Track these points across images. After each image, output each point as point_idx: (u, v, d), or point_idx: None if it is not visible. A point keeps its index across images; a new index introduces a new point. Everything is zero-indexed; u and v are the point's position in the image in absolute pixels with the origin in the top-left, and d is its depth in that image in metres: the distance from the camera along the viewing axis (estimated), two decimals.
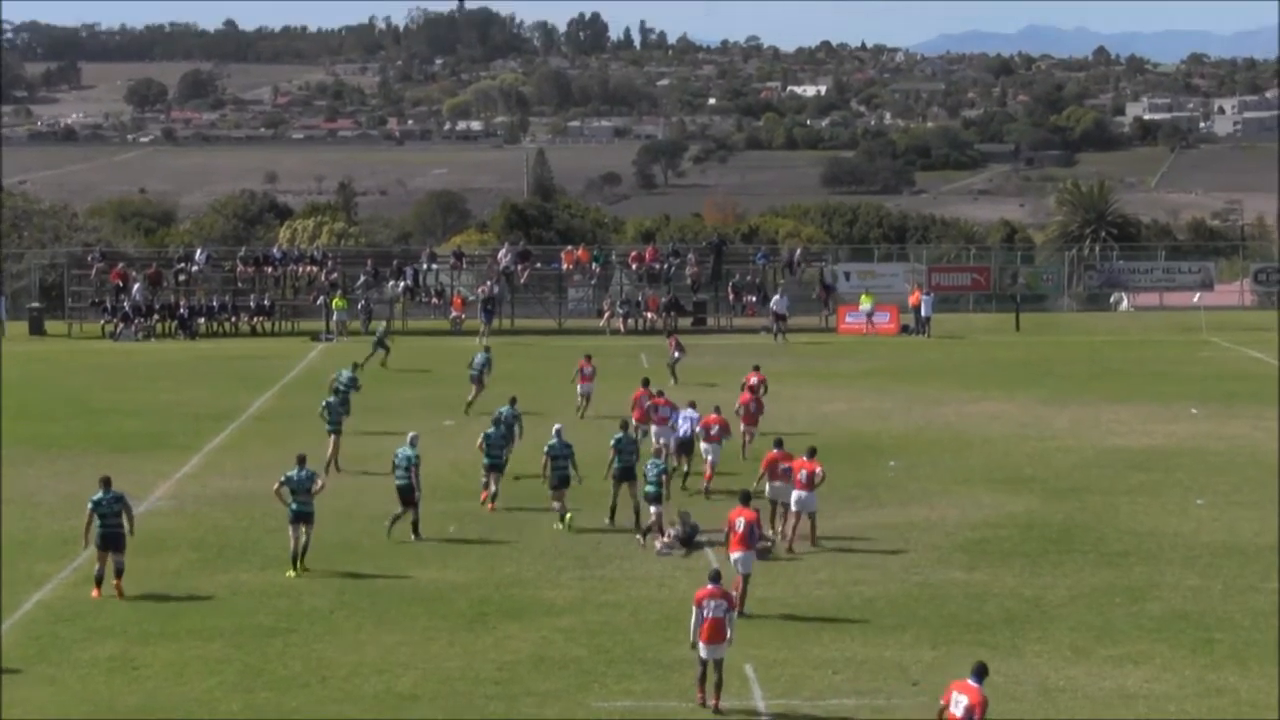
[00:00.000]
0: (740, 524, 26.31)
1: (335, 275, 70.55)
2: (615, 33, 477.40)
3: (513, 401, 38.08)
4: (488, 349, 49.27)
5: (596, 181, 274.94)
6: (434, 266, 73.11)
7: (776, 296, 67.01)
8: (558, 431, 33.30)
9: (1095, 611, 26.52)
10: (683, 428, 36.36)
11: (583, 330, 66.20)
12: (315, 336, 66.35)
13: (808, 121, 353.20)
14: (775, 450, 31.76)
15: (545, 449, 33.00)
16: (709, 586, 22.64)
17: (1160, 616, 26.26)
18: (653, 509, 30.98)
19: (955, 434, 43.06)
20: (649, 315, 68.75)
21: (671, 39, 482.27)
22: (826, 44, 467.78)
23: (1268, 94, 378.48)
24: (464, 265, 74.36)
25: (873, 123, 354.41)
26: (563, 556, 30.24)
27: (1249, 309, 77.44)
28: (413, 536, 31.37)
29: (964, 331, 67.62)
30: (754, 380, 42.02)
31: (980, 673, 19.03)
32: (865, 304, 68.84)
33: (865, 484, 36.47)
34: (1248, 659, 24.17)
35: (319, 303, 69.06)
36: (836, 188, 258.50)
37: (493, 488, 33.90)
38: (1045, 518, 33.16)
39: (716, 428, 35.77)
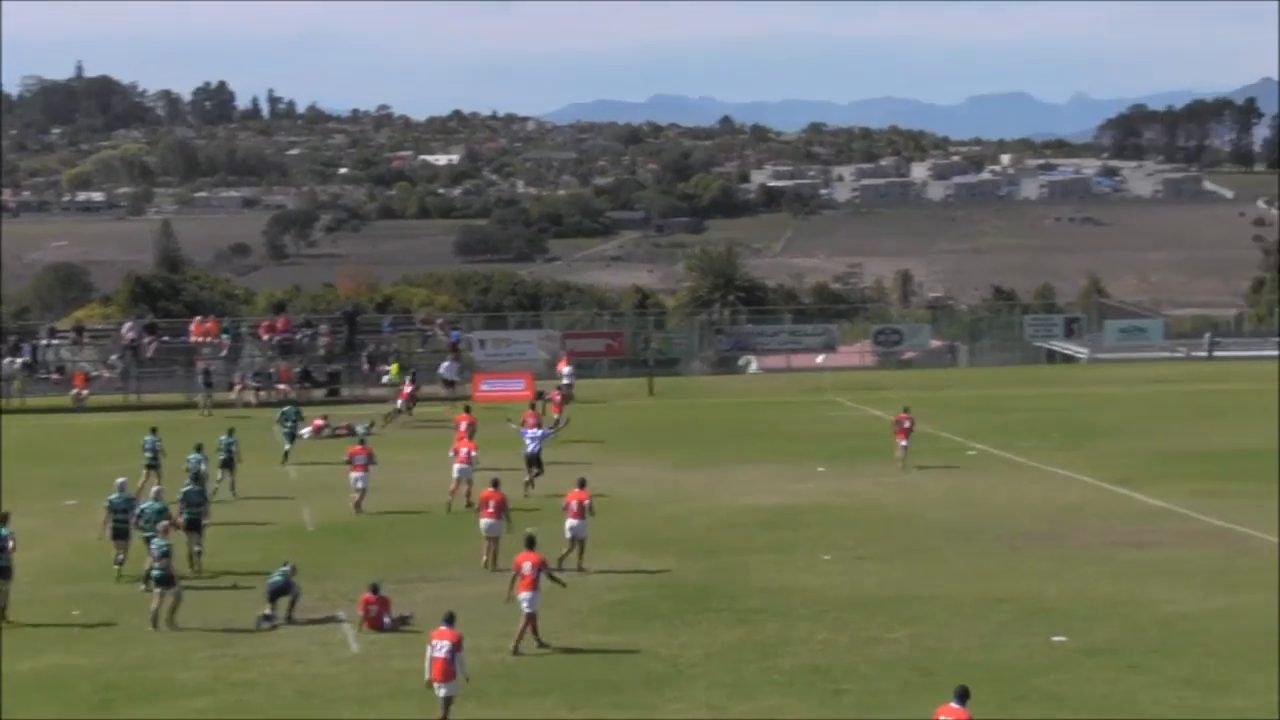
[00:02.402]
0: (527, 567, 28.10)
1: None
2: (242, 102, 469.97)
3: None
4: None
5: (225, 252, 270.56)
6: (54, 342, 70.91)
7: (445, 364, 67.13)
8: (120, 486, 34.54)
9: (729, 669, 27.13)
10: (531, 446, 43.59)
11: (214, 404, 64.80)
12: None
13: (440, 190, 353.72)
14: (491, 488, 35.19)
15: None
16: (440, 628, 24.09)
17: (791, 671, 27.01)
18: (156, 591, 30.25)
19: (593, 498, 43.48)
20: (282, 387, 67.87)
21: (300, 108, 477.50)
22: (458, 113, 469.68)
23: (883, 162, 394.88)
24: (86, 340, 72.31)
25: (505, 191, 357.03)
26: (194, 636, 29.56)
27: (870, 369, 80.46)
28: None
29: (599, 396, 68.55)
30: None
31: (963, 695, 20.29)
32: (393, 375, 67.91)
33: (504, 550, 36.61)
34: (873, 708, 25.05)
35: None
36: (470, 256, 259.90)
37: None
38: (681, 578, 33.83)
39: (466, 448, 41.76)
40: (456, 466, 41.43)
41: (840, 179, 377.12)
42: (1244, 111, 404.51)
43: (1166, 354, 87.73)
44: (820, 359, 78.51)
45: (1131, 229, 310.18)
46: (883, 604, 31.30)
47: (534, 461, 43.43)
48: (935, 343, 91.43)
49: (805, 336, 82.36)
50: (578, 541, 34.22)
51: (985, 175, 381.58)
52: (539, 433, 44.65)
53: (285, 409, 52.30)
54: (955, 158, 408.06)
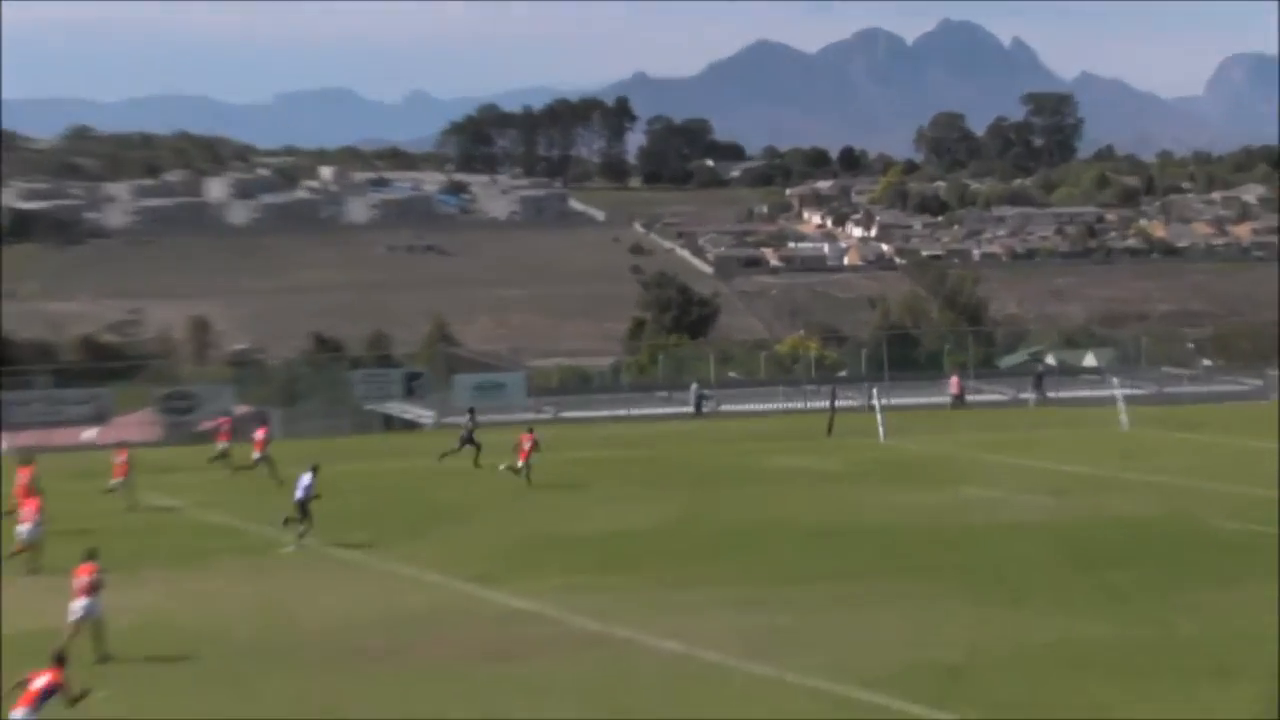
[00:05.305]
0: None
1: None
2: None
3: None
4: None
5: None
6: None
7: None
8: None
9: None
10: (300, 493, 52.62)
11: None
12: None
13: None
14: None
15: None
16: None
17: None
18: None
19: None
20: None
21: None
22: None
23: (169, 177, 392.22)
24: None
25: None
26: None
27: (156, 444, 79.79)
28: None
29: None
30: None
31: None
32: None
33: None
34: None
35: None
36: None
37: None
38: None
39: None
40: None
41: (112, 199, 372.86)
42: (616, 114, 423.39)
43: (531, 414, 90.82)
44: (90, 434, 77.48)
45: (484, 259, 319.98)
46: None
47: (302, 509, 52.72)
48: (241, 408, 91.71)
49: (68, 405, 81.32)
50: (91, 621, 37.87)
51: (301, 193, 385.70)
52: (307, 480, 52.83)
53: None
54: (263, 171, 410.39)
